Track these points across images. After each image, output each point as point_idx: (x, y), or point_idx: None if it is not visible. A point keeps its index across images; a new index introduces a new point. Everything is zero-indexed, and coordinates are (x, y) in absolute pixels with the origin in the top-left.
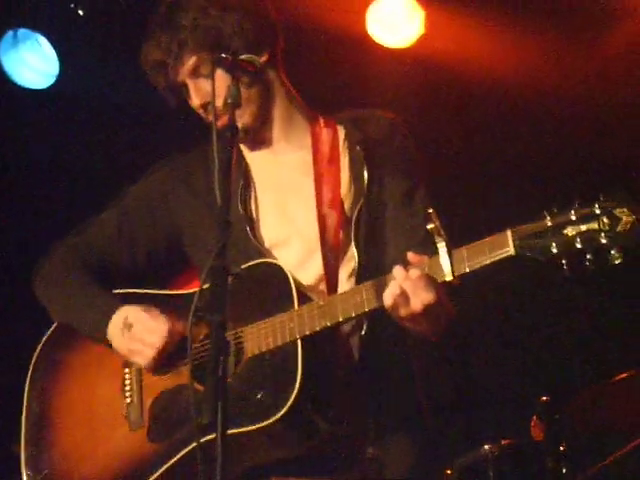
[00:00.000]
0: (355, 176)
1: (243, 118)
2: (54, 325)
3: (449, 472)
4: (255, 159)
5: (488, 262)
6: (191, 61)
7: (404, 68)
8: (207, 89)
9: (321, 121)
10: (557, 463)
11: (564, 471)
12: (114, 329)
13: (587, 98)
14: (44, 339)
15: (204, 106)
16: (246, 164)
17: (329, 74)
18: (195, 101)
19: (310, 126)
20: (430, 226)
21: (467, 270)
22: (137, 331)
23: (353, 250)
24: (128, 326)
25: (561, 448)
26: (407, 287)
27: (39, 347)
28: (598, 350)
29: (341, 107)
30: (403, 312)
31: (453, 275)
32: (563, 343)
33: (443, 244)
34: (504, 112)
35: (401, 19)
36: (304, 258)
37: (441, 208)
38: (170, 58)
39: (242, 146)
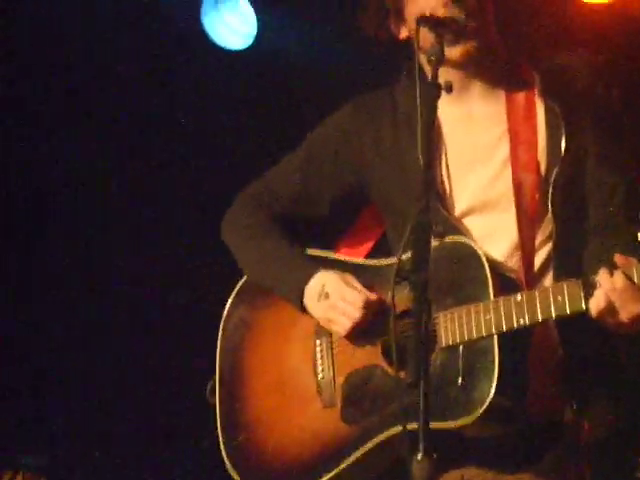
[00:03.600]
0: (552, 134)
1: (448, 73)
2: (243, 280)
3: None
4: (447, 114)
5: None
6: None
7: (605, 25)
8: None
9: (517, 67)
10: None
11: None
12: (311, 295)
13: None
14: (234, 293)
15: (450, 1)
16: (438, 121)
17: (529, 28)
18: None
19: (507, 74)
20: None
21: None
22: (334, 300)
23: (550, 216)
24: (325, 294)
25: None
26: (614, 298)
27: (230, 301)
28: None
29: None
30: (609, 321)
31: None
32: None
33: None
34: None
35: None
36: (498, 226)
37: None
38: None
39: None
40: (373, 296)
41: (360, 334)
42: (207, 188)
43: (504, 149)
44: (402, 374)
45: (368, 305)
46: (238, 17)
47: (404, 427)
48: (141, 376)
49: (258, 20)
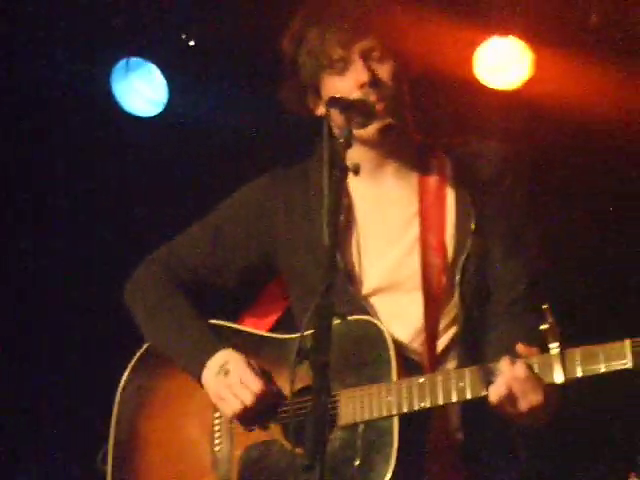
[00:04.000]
0: (461, 220)
1: (356, 154)
2: (145, 345)
3: None
4: (360, 194)
5: (603, 370)
6: (370, 42)
7: (511, 111)
8: (378, 73)
9: (430, 153)
10: None
11: None
12: (210, 370)
13: None
14: (135, 359)
15: (366, 85)
16: (349, 199)
17: (436, 115)
18: (362, 77)
19: (419, 159)
20: (544, 326)
21: (580, 375)
22: (232, 380)
23: (456, 300)
24: (225, 371)
25: None
26: (514, 388)
27: (129, 367)
28: None
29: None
30: (509, 410)
31: (564, 378)
32: None
33: (556, 344)
34: (614, 157)
35: (509, 61)
36: (404, 307)
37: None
38: (347, 27)
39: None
40: (271, 387)
41: (246, 420)
42: (117, 249)
43: (414, 231)
44: (299, 451)
45: (263, 394)
46: (148, 84)
47: None
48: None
49: (169, 87)
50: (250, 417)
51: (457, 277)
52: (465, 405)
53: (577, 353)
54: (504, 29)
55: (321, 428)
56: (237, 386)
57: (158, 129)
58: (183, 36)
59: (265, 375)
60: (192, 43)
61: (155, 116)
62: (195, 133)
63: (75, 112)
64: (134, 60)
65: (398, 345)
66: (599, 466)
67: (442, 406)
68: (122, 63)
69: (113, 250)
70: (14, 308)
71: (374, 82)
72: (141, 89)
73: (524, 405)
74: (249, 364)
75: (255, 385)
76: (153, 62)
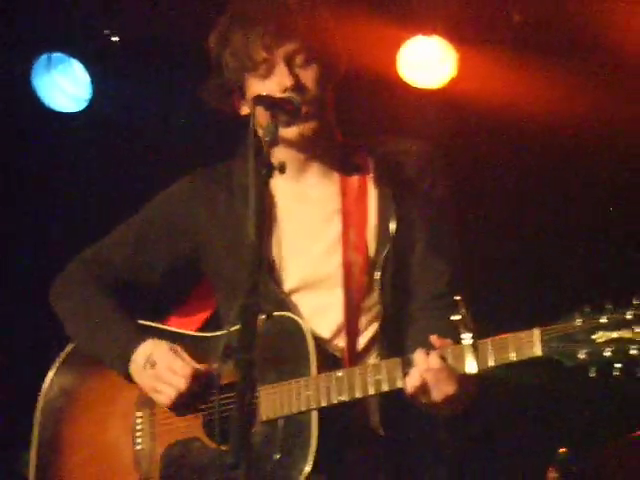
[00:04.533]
0: (382, 218)
1: (280, 154)
2: (69, 346)
3: None
4: (282, 192)
5: (514, 359)
6: (294, 45)
7: (435, 109)
8: (302, 77)
9: (353, 151)
10: None
11: None
12: (137, 363)
13: (631, 146)
14: (59, 360)
15: (289, 90)
16: (271, 198)
17: (360, 114)
18: (286, 81)
19: (342, 158)
20: (456, 317)
21: (492, 364)
22: (161, 370)
23: (376, 297)
24: (152, 363)
25: None
26: (428, 378)
27: (53, 368)
28: (623, 403)
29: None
30: (423, 400)
31: (477, 368)
32: (587, 393)
33: (469, 335)
34: (537, 155)
35: (433, 61)
36: (326, 304)
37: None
38: (271, 30)
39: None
40: (200, 368)
41: (184, 406)
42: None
43: (336, 229)
44: (223, 448)
45: (194, 377)
46: (71, 80)
47: None
48: None
49: (91, 83)
50: (187, 402)
51: (378, 274)
52: (386, 400)
53: (489, 343)
54: (428, 28)
55: (246, 426)
56: (167, 374)
57: (81, 125)
58: (106, 31)
59: (190, 357)
60: (116, 39)
61: (78, 112)
62: (118, 129)
63: None
64: (56, 55)
65: (319, 341)
66: (520, 460)
67: (362, 400)
68: (44, 58)
69: (31, 247)
70: None
71: (297, 87)
72: (63, 85)
73: (438, 395)
74: (173, 349)
75: (184, 369)
76: (75, 58)
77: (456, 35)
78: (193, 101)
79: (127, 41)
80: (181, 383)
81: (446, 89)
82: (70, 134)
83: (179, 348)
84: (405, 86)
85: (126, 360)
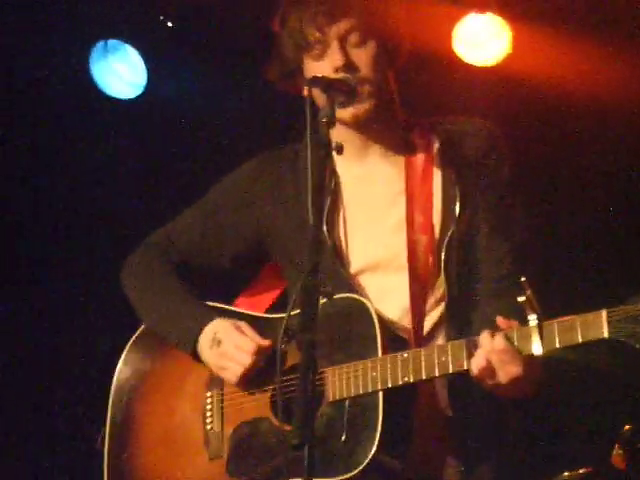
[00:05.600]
0: (447, 199)
1: (340, 135)
2: (140, 328)
3: None
4: (346, 173)
5: (580, 341)
6: (347, 24)
7: (490, 87)
8: (355, 56)
9: (416, 132)
10: None
11: None
12: (204, 342)
13: None
14: (131, 341)
15: (341, 69)
16: (336, 179)
17: (415, 91)
18: (337, 61)
19: (405, 138)
20: (521, 298)
21: (558, 346)
22: (226, 347)
23: (442, 278)
24: (217, 341)
25: None
26: (493, 360)
27: (126, 349)
28: None
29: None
30: (489, 382)
31: (542, 350)
32: None
33: (534, 316)
34: (594, 134)
35: (488, 38)
36: (391, 285)
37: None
38: (324, 9)
39: (335, 156)
40: (264, 342)
41: (252, 383)
42: (105, 233)
43: (400, 210)
44: (288, 428)
45: (259, 352)
46: (127, 66)
47: None
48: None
49: (147, 69)
50: (254, 378)
51: (443, 255)
52: (454, 382)
53: (554, 324)
54: (482, 5)
55: (309, 406)
56: (232, 351)
57: (137, 112)
58: (161, 17)
59: (255, 333)
60: (170, 25)
61: (134, 99)
62: (174, 116)
63: (54, 94)
64: (112, 42)
65: (385, 323)
66: (585, 438)
67: (429, 382)
68: (100, 45)
69: (95, 232)
70: None
71: (350, 66)
72: (120, 71)
73: (503, 377)
74: (237, 327)
75: (248, 345)
76: (131, 44)
77: (510, 12)
78: (249, 86)
79: (182, 27)
80: (247, 359)
81: (501, 66)
82: (127, 120)
83: (244, 324)
84: (460, 63)
85: (193, 340)
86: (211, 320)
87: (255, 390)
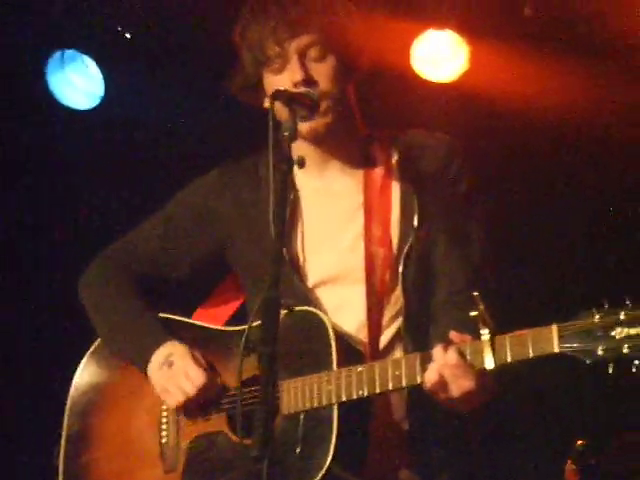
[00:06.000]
0: (406, 212)
1: (300, 148)
2: (97, 341)
3: None
4: (305, 187)
5: (531, 355)
6: (307, 39)
7: (448, 102)
8: (315, 71)
9: (376, 145)
10: None
11: None
12: (155, 361)
13: None
14: (89, 352)
15: (300, 84)
16: (295, 192)
17: (374, 105)
18: (296, 76)
19: (365, 151)
20: (474, 313)
21: (509, 360)
22: (175, 372)
23: (399, 292)
24: (169, 363)
25: None
26: (446, 374)
27: (83, 361)
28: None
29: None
30: (442, 395)
31: (494, 364)
32: (604, 384)
33: (487, 330)
34: (549, 149)
35: (446, 54)
36: (348, 299)
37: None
38: (284, 24)
39: (295, 170)
40: (213, 380)
41: (188, 411)
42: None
43: (359, 223)
44: (246, 442)
45: (205, 388)
46: (84, 77)
47: None
48: None
49: (104, 80)
50: (193, 409)
51: (400, 268)
52: (412, 394)
53: (506, 338)
54: (440, 22)
55: (269, 419)
56: (180, 378)
57: (94, 122)
58: (119, 29)
59: (210, 368)
60: (128, 36)
61: (91, 109)
62: (131, 126)
63: (10, 104)
64: (70, 52)
65: (342, 336)
66: (538, 453)
67: (385, 395)
68: (57, 55)
69: (44, 244)
70: None
71: (309, 81)
72: (77, 81)
73: (456, 390)
74: (193, 356)
75: (198, 378)
76: (89, 54)
77: (468, 29)
78: (207, 98)
79: (140, 38)
80: (191, 390)
81: (458, 82)
82: (84, 130)
83: (199, 355)
84: (418, 79)
85: (147, 359)
86: (168, 340)
87: (210, 403)
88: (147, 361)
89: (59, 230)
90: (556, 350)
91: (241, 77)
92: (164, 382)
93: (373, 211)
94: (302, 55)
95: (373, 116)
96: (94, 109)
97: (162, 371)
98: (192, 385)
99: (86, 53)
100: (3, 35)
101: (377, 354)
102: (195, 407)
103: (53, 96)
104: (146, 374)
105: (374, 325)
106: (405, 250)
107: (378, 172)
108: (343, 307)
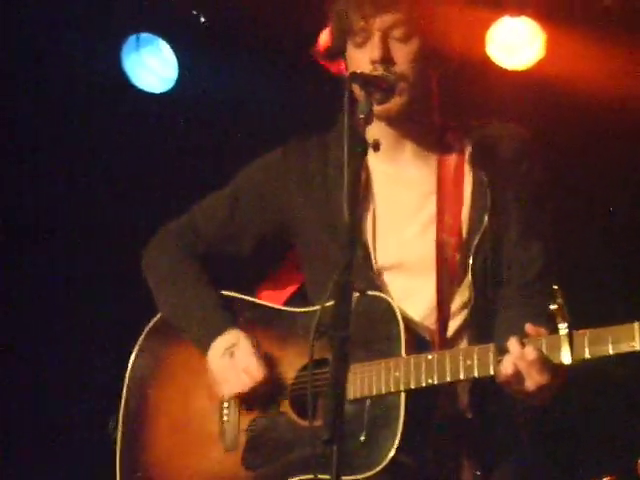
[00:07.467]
0: (477, 202)
1: (375, 131)
2: (158, 316)
3: None
4: (378, 171)
5: (611, 353)
6: (392, 18)
7: (523, 90)
8: (395, 52)
9: (450, 134)
10: None
11: None
12: (217, 347)
13: None
14: (148, 328)
15: (377, 62)
16: (368, 176)
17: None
18: (374, 54)
19: (439, 139)
20: (553, 306)
21: (587, 356)
22: (236, 363)
23: (469, 281)
24: (230, 353)
25: None
26: (521, 367)
27: (142, 336)
28: None
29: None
30: (515, 388)
31: (571, 360)
32: None
33: (565, 325)
34: (625, 143)
35: (522, 41)
36: (418, 285)
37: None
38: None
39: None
40: (272, 377)
41: (242, 402)
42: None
43: (430, 210)
44: (314, 424)
45: (263, 384)
46: (159, 60)
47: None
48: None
49: (179, 63)
50: (247, 401)
51: (470, 258)
52: (476, 384)
53: (585, 334)
54: (516, 9)
55: (341, 403)
56: (239, 370)
57: (168, 105)
58: (194, 12)
59: (269, 362)
60: (203, 20)
61: (165, 92)
62: (205, 110)
63: (85, 88)
64: (145, 36)
65: (409, 322)
66: (609, 448)
67: (450, 384)
68: (132, 39)
69: (125, 224)
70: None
71: (386, 60)
72: (151, 65)
73: (531, 384)
74: (255, 350)
75: (257, 373)
76: (163, 38)
77: (544, 16)
78: (278, 81)
79: (215, 22)
80: (248, 385)
81: (534, 70)
82: (158, 114)
83: (262, 350)
84: (493, 67)
85: (208, 343)
86: (233, 328)
87: (274, 384)
88: (209, 345)
89: (131, 212)
90: (638, 348)
91: (328, 43)
92: (223, 371)
93: (445, 199)
94: (385, 34)
95: (447, 103)
96: (168, 92)
97: (223, 359)
98: (250, 380)
99: (161, 36)
100: (80, 19)
101: (444, 343)
102: (248, 401)
103: (128, 79)
104: (204, 353)
105: (443, 313)
106: (476, 240)
107: (452, 160)
108: (410, 294)
